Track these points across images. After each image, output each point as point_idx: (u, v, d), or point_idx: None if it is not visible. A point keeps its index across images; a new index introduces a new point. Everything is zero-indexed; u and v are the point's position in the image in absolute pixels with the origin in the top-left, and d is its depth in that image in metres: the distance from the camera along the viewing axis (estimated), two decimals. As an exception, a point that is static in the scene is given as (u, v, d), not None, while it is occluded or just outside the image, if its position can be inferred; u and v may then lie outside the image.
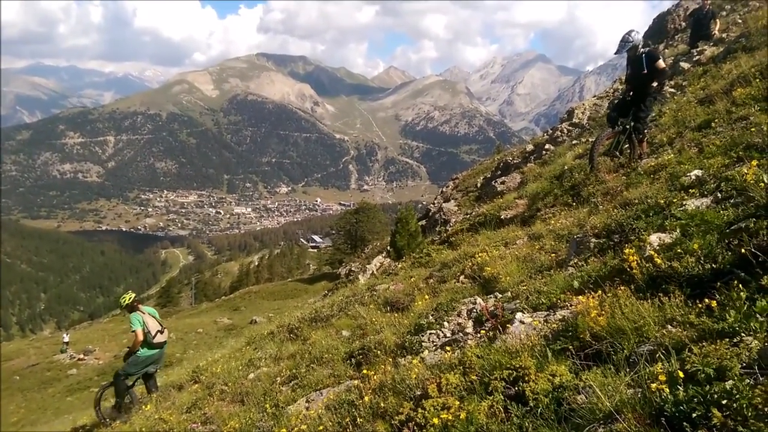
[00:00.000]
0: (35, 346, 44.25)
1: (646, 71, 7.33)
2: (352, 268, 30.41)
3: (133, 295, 8.65)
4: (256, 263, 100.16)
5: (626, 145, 7.70)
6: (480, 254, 6.50)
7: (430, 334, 4.51)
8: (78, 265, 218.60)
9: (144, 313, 8.40)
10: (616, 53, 7.53)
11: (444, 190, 25.19)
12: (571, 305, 3.63)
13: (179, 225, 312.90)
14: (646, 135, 7.65)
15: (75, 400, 24.08)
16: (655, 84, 7.49)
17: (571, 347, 3.03)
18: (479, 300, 4.80)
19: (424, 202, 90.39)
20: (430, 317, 4.88)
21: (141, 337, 8.23)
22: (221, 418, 4.94)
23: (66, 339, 38.00)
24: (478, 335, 4.07)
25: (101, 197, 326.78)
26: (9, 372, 33.22)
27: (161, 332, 8.46)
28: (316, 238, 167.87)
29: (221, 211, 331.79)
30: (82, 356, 33.20)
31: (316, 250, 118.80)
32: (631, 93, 7.73)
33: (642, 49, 7.42)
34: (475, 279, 5.86)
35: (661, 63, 7.29)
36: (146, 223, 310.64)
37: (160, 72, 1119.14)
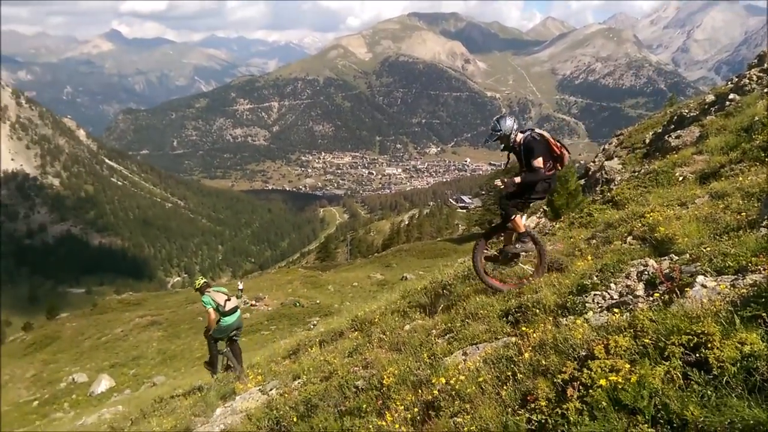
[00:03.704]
0: (216, 291, 50.10)
1: (526, 170, 5.66)
2: (504, 229, 29.89)
3: (204, 280, 10.10)
4: (407, 222, 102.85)
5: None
6: (651, 214, 6.02)
7: (594, 295, 4.31)
8: (249, 221, 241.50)
9: (211, 292, 9.60)
10: (484, 144, 6.18)
11: (606, 147, 23.50)
12: (764, 269, 3.25)
13: (335, 185, 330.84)
14: (512, 214, 5.73)
15: (248, 341, 26.69)
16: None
17: (764, 315, 2.73)
18: (652, 262, 4.45)
19: (582, 161, 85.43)
20: (595, 278, 4.64)
21: (213, 315, 9.50)
22: (381, 364, 5.17)
23: (241, 286, 42.09)
24: (650, 299, 3.80)
25: (267, 159, 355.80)
26: (194, 314, 38.06)
27: (229, 300, 9.59)
28: (465, 198, 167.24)
29: (373, 172, 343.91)
30: (254, 302, 36.55)
31: (465, 211, 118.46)
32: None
33: (516, 138, 5.73)
34: (645, 240, 5.44)
35: (536, 162, 5.53)
36: (306, 183, 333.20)
37: (317, 38, 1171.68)
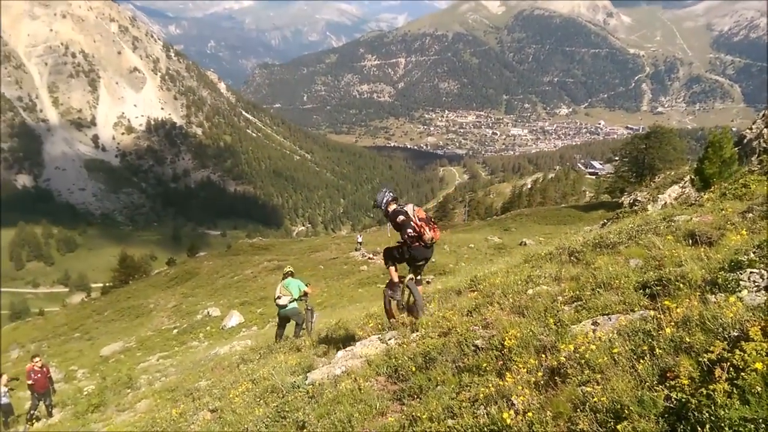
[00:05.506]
0: (335, 242, 52.34)
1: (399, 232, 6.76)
2: (638, 198, 28.00)
3: (289, 269, 12.12)
4: (529, 186, 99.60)
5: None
6: (826, 188, 5.28)
7: (751, 272, 3.90)
8: (370, 177, 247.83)
9: (285, 281, 11.61)
10: (374, 208, 7.15)
11: (767, 113, 20.88)
12: None
13: (457, 144, 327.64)
14: (386, 264, 7.15)
15: (365, 291, 27.54)
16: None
17: None
18: (825, 241, 3.93)
19: (734, 129, 76.95)
20: (752, 254, 4.19)
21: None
22: (502, 326, 5.12)
23: (360, 239, 43.59)
24: (821, 282, 3.37)
25: (391, 116, 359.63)
26: (316, 261, 40.12)
27: (280, 298, 11.45)
28: (596, 164, 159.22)
29: (497, 132, 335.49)
30: (371, 256, 37.64)
31: (594, 177, 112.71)
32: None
33: (389, 208, 6.79)
34: (815, 217, 4.81)
35: (397, 219, 6.62)
36: (428, 142, 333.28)
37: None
